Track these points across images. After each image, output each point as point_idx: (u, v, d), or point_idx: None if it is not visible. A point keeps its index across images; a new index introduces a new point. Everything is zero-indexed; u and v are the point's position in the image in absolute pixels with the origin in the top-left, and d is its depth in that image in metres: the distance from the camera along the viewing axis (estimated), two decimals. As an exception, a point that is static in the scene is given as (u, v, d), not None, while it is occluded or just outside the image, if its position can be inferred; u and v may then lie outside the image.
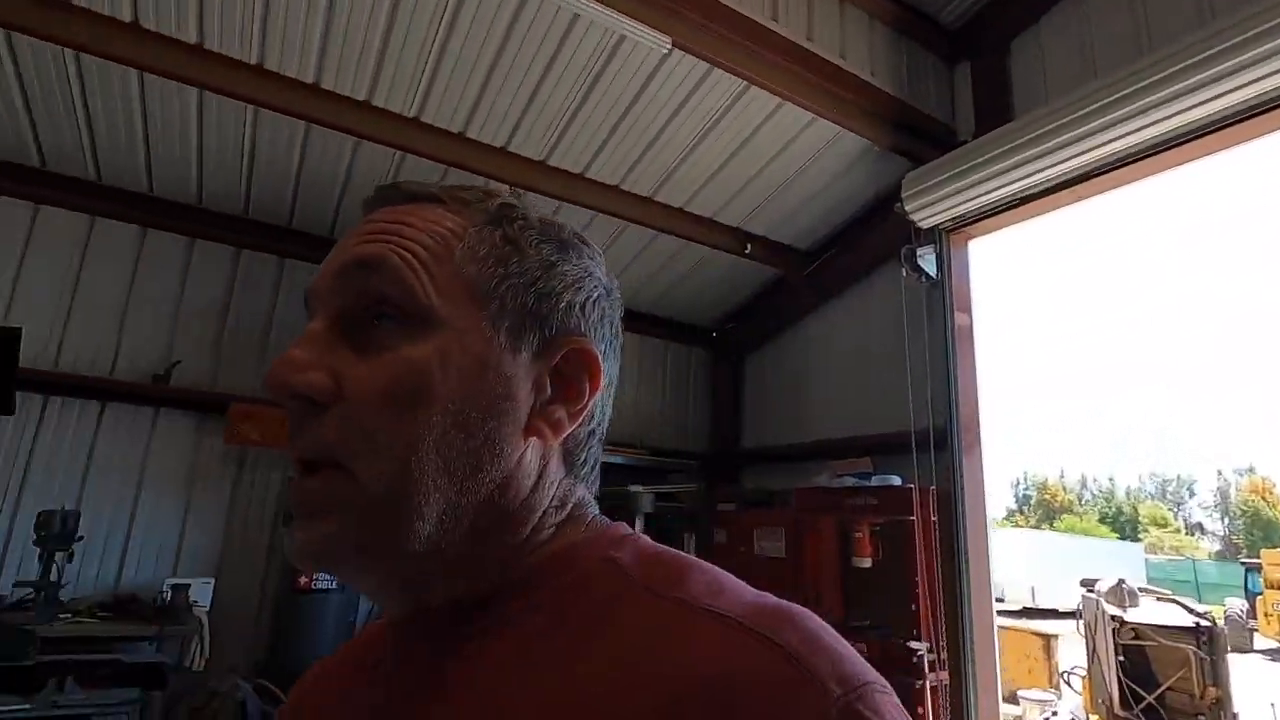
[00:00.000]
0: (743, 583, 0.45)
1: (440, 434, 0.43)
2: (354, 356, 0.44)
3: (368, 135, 3.84)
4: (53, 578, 3.38)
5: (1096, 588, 6.12)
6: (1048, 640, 7.85)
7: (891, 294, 4.63)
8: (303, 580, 3.94)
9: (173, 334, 4.34)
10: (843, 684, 0.37)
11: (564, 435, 0.48)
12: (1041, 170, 3.64)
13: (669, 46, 3.42)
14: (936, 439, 3.99)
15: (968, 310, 4.20)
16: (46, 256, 4.07)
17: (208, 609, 3.82)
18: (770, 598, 0.43)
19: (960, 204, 4.01)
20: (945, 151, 4.09)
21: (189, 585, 3.67)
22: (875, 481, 3.97)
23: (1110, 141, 3.37)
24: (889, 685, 0.41)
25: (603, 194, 4.51)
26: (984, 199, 3.93)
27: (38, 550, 3.36)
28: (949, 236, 4.26)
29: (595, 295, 0.51)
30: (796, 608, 0.42)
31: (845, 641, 0.41)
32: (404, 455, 0.42)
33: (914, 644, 3.50)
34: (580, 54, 3.60)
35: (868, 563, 3.97)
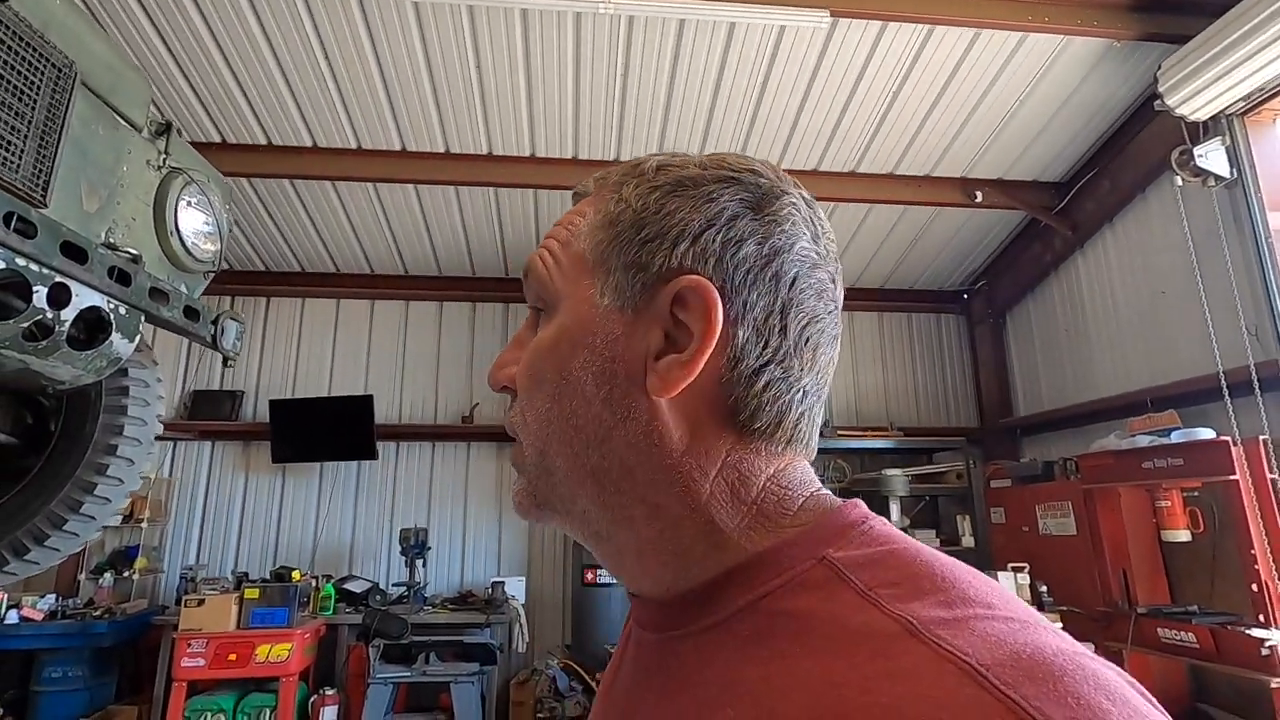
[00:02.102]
0: (1003, 595, 0.36)
1: (564, 404, 0.44)
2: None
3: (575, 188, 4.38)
4: (417, 579, 4.45)
5: None
6: None
7: (1173, 213, 3.80)
8: (589, 576, 4.57)
9: (471, 382, 5.40)
10: None
11: (679, 387, 0.42)
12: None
13: (828, 19, 3.33)
14: (1266, 377, 3.17)
15: (1289, 207, 3.27)
16: (383, 337, 5.40)
17: (523, 602, 4.64)
18: (1042, 636, 0.32)
19: (1254, 73, 3.15)
20: (1216, 18, 3.27)
21: (504, 582, 4.53)
22: (1178, 437, 3.28)
23: None
24: None
25: (800, 179, 4.46)
26: (1287, 61, 3.04)
27: (404, 559, 4.46)
28: (1243, 121, 3.37)
29: (721, 220, 0.43)
30: (1083, 659, 0.31)
31: (1152, 711, 0.30)
32: (540, 429, 0.45)
33: (1259, 632, 2.81)
34: (744, 61, 3.69)
35: (1184, 535, 3.29)
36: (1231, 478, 3.00)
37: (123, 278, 1.16)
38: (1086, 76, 3.85)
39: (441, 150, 4.22)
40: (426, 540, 4.60)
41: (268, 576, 4.37)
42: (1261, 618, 2.91)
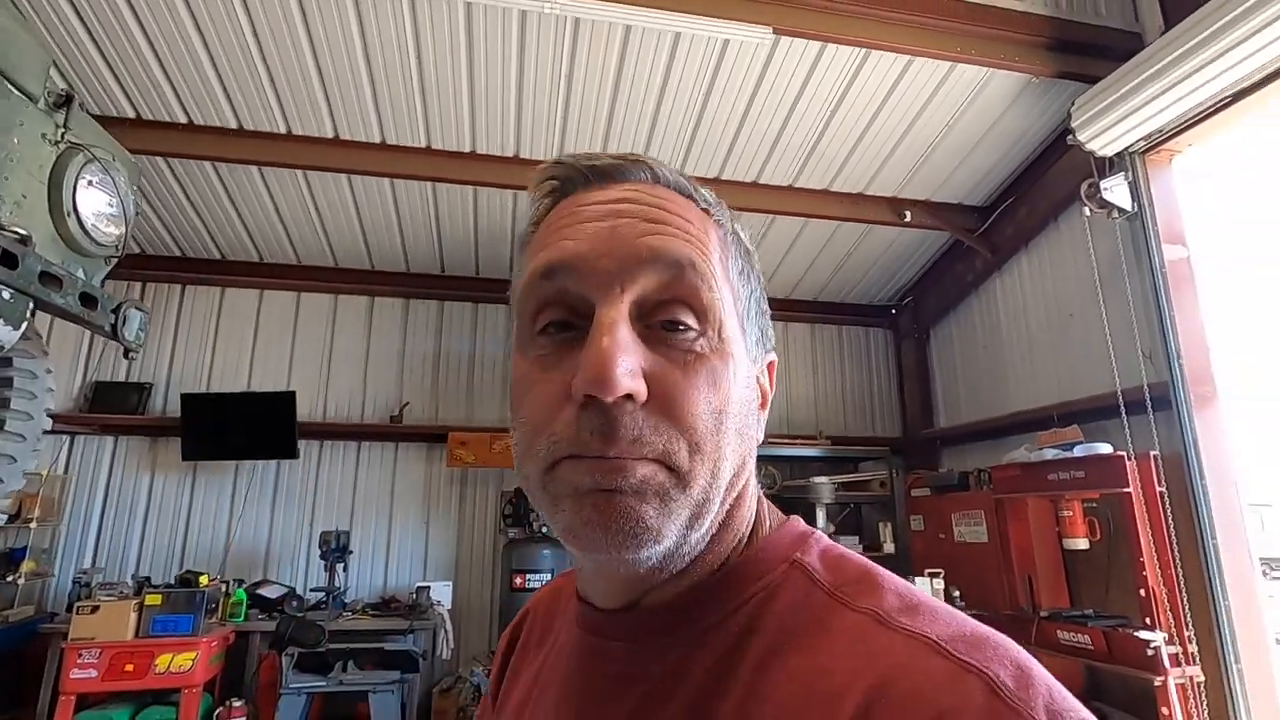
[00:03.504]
0: (932, 598, 0.43)
1: (737, 439, 0.45)
2: (656, 356, 0.43)
3: (521, 186, 4.32)
4: (336, 584, 4.28)
5: None
6: None
7: (1081, 240, 4.06)
8: (518, 581, 4.50)
9: (401, 380, 5.24)
10: None
11: (761, 436, 0.50)
12: (1263, 48, 2.93)
13: (770, 35, 3.41)
14: (1157, 397, 3.42)
15: (1181, 241, 3.54)
16: (308, 331, 5.18)
17: (449, 608, 4.53)
18: (969, 620, 0.40)
19: (1153, 116, 3.40)
20: (1123, 62, 3.51)
21: (429, 587, 4.41)
22: (1080, 451, 3.50)
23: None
24: None
25: (738, 192, 4.56)
26: (1187, 102, 3.27)
27: (323, 563, 4.28)
28: (1143, 159, 3.63)
29: (764, 302, 0.53)
30: (999, 635, 0.39)
31: (1054, 678, 0.38)
32: (719, 460, 0.43)
33: (1145, 634, 3.03)
34: (689, 69, 3.73)
35: (1083, 544, 3.51)
36: (1125, 490, 3.22)
37: (7, 259, 1.06)
38: (1007, 109, 4.07)
39: (378, 141, 4.09)
40: (348, 544, 4.43)
41: (173, 581, 4.12)
42: (1148, 620, 3.14)
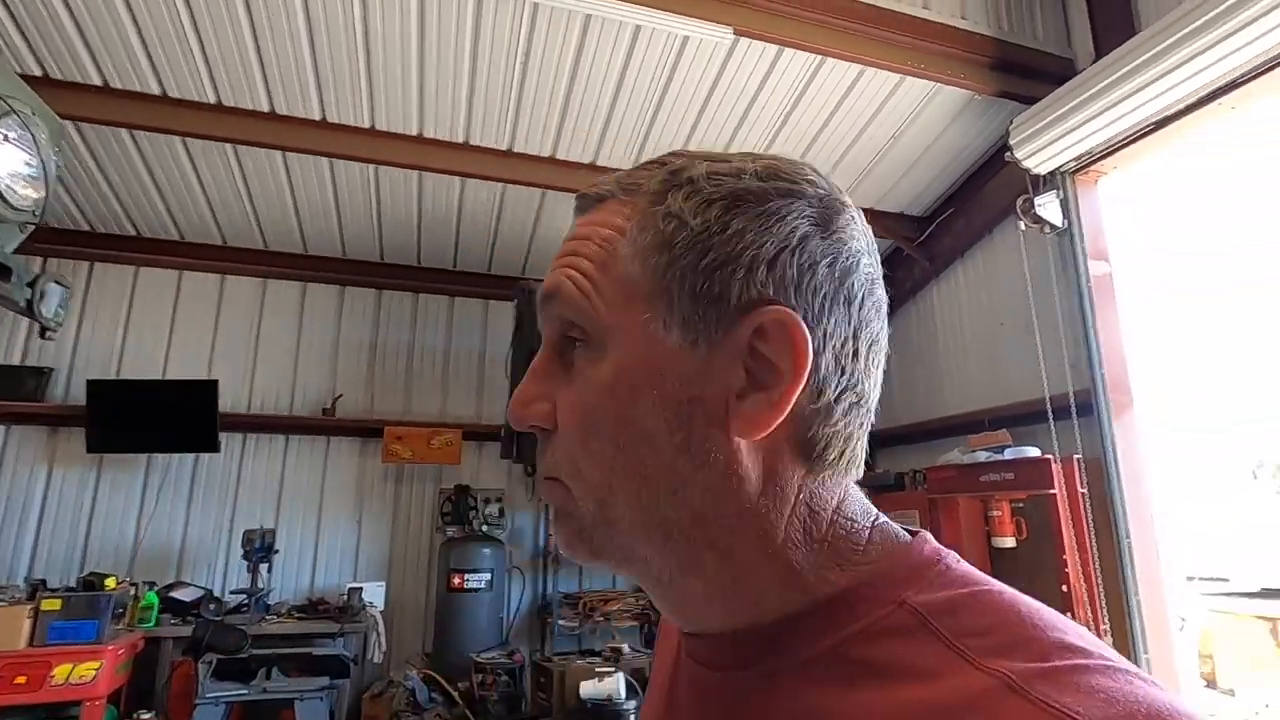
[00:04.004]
0: (1091, 638, 0.35)
1: (631, 453, 0.40)
2: (566, 382, 0.43)
3: (470, 173, 4.19)
4: (260, 585, 4.03)
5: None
6: (1274, 624, 6.68)
7: (1013, 253, 4.26)
8: (456, 581, 4.37)
9: (334, 371, 4.99)
10: None
11: (769, 428, 0.39)
12: (1184, 81, 3.14)
13: (730, 35, 3.42)
14: (1081, 404, 3.62)
15: (1105, 257, 3.76)
16: (233, 317, 4.86)
17: (381, 609, 4.35)
18: (1150, 688, 0.31)
19: (1084, 139, 3.60)
20: (1059, 85, 3.70)
21: (362, 588, 4.21)
22: (1010, 454, 3.67)
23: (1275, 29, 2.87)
24: None
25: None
26: (1114, 128, 3.49)
27: (246, 564, 4.03)
28: (1073, 179, 3.84)
29: (793, 241, 0.41)
30: (1191, 712, 0.30)
31: None
32: (602, 478, 0.41)
33: (1067, 629, 3.19)
34: (647, 64, 3.70)
35: (1010, 542, 3.68)
36: (1051, 492, 3.39)
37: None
38: (950, 124, 4.23)
39: (317, 118, 3.87)
40: (273, 543, 4.18)
41: (73, 585, 3.78)
42: (1069, 612, 3.31)
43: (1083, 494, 3.45)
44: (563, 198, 4.57)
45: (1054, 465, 3.42)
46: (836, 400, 0.41)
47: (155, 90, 3.63)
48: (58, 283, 1.23)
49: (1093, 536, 3.41)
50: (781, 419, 0.39)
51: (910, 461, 5.09)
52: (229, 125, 3.77)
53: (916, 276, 5.22)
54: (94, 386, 4.29)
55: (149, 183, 4.27)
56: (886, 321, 0.46)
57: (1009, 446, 3.76)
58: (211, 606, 3.91)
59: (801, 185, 0.43)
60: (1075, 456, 3.51)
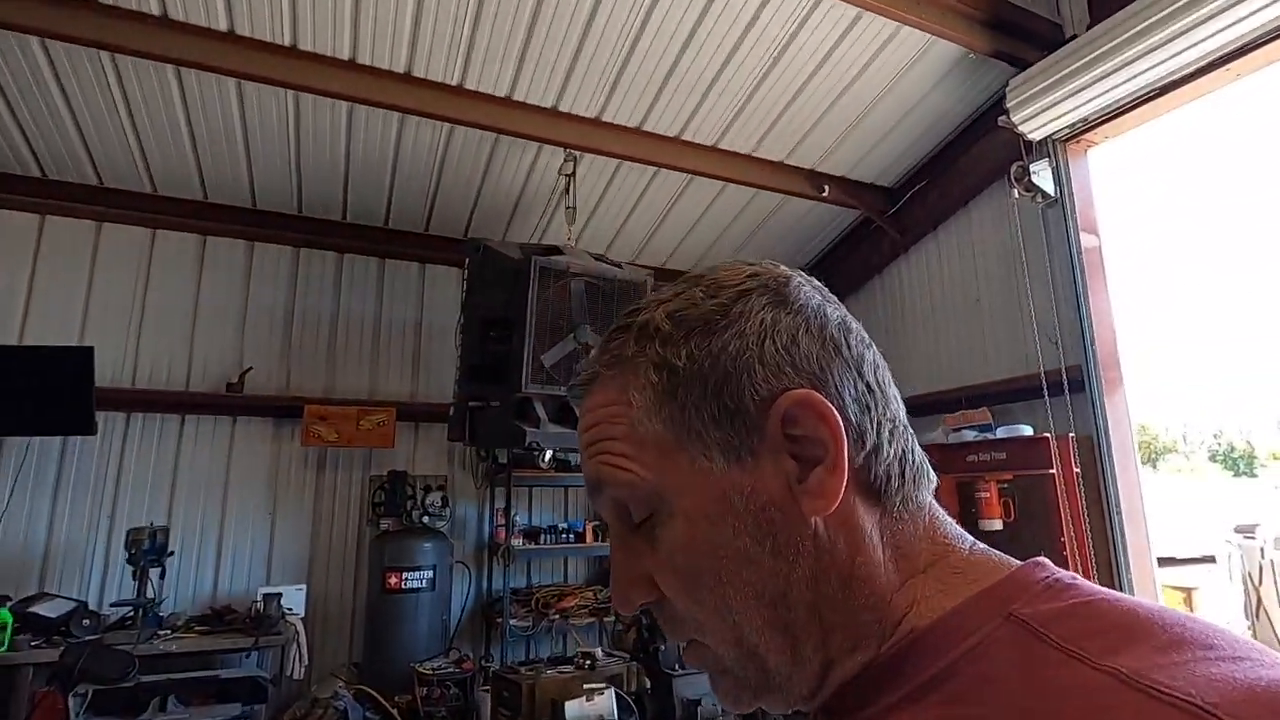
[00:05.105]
0: (1228, 637, 0.33)
1: (736, 580, 0.42)
2: (651, 550, 0.45)
3: (412, 109, 3.60)
4: (149, 594, 3.34)
5: (1258, 533, 5.41)
6: (1189, 594, 7.11)
7: (997, 224, 4.12)
8: (392, 580, 3.82)
9: (241, 340, 4.27)
10: None
11: (840, 493, 0.41)
12: (1181, 51, 3.06)
13: (727, -40, 3.01)
14: (1071, 381, 3.49)
15: (1094, 230, 3.65)
16: (112, 274, 4.04)
17: (302, 616, 3.74)
18: (1268, 669, 0.30)
19: (1078, 106, 3.45)
20: (1050, 53, 3.54)
21: (280, 594, 3.58)
22: (1002, 433, 3.51)
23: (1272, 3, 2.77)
24: None
25: (662, 147, 4.15)
26: (1109, 96, 3.37)
27: (131, 569, 3.32)
28: (1064, 147, 3.70)
29: (767, 329, 0.44)
30: None
31: None
32: (725, 619, 0.42)
33: (1069, 614, 3.06)
34: (620, 7, 3.25)
35: (998, 524, 3.53)
36: (1049, 471, 3.24)
37: None
38: (938, 84, 4.00)
39: (223, 29, 3.18)
40: (166, 543, 3.48)
41: (-107, 603, 2.97)
42: (1065, 599, 3.18)
43: (1077, 473, 3.32)
44: (517, 145, 4.05)
45: (1051, 444, 3.27)
46: (878, 435, 0.44)
47: (2, -26, 2.84)
48: None
49: (1086, 517, 3.29)
50: (845, 480, 0.41)
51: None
52: (107, 28, 3.02)
53: (884, 250, 5.04)
54: (-77, 354, 3.41)
55: (-2, 99, 3.42)
56: (869, 340, 0.47)
57: (1000, 425, 3.60)
58: (85, 623, 3.19)
59: (745, 281, 0.46)
60: (1070, 435, 3.37)
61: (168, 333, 4.10)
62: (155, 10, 3.07)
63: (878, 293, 5.20)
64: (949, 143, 4.48)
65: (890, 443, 0.44)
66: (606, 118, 3.96)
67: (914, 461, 0.45)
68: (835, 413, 0.41)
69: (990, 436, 3.56)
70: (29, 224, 3.94)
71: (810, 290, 0.48)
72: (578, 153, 4.03)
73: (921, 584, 0.42)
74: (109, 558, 3.73)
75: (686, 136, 4.18)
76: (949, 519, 0.45)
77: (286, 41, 3.28)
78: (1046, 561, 0.42)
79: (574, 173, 4.03)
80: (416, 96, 3.58)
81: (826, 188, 4.62)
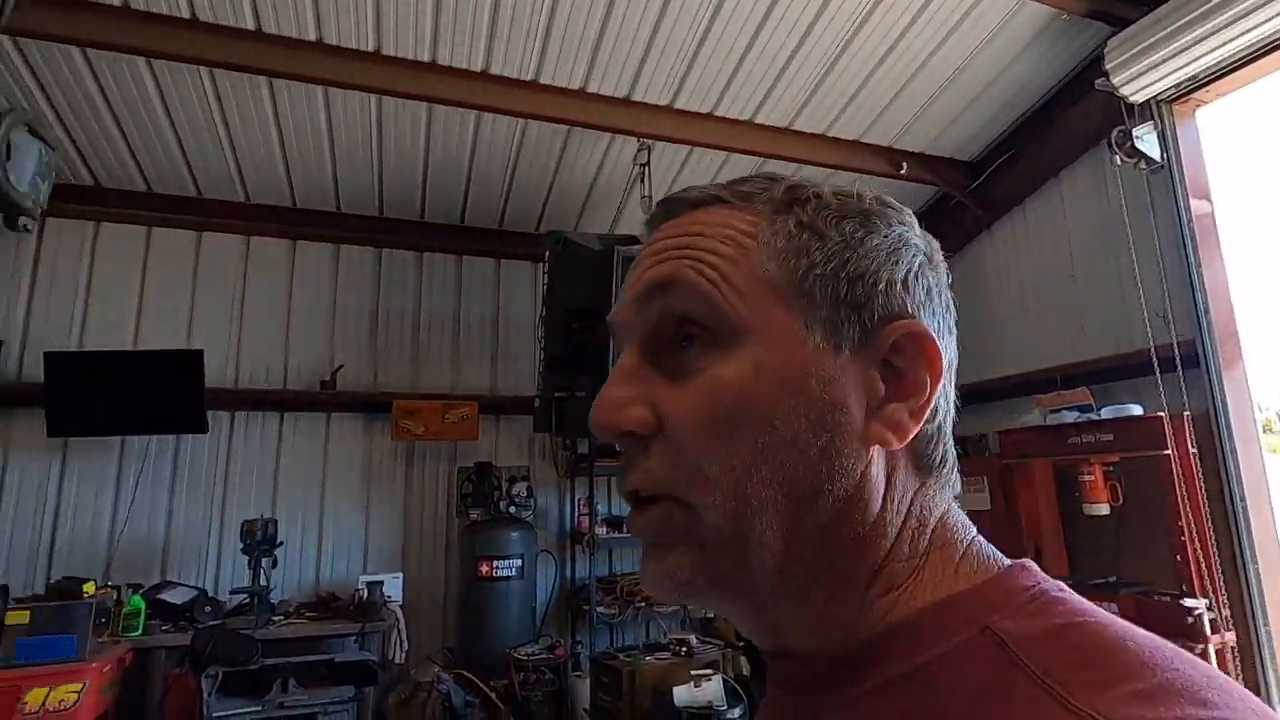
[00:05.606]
0: (1221, 685, 0.30)
1: (771, 455, 0.38)
2: (669, 384, 0.41)
3: (489, 106, 3.66)
4: (262, 582, 3.53)
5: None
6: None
7: (1093, 194, 3.91)
8: (484, 569, 3.92)
9: (331, 340, 4.44)
10: None
11: (910, 437, 0.40)
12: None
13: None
14: (1183, 357, 3.29)
15: (1206, 195, 3.42)
16: (211, 279, 4.27)
17: (400, 603, 3.88)
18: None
19: (1186, 64, 3.23)
20: (1153, 9, 3.32)
21: (382, 581, 3.73)
22: (1107, 413, 3.34)
23: None
24: None
25: (734, 131, 4.10)
26: (1221, 51, 3.14)
27: (246, 559, 3.51)
28: (1170, 108, 3.48)
29: (915, 265, 0.43)
30: None
31: None
32: (738, 484, 0.38)
33: (1189, 601, 2.90)
34: (696, -15, 3.21)
35: (1104, 509, 3.37)
36: (1164, 453, 3.07)
37: None
38: (1023, 51, 3.81)
39: (312, 38, 3.30)
40: (276, 534, 3.67)
41: (42, 591, 3.23)
42: (1184, 587, 3.02)
43: (1193, 454, 3.14)
44: (590, 137, 4.07)
45: (1165, 423, 3.10)
46: (943, 420, 0.43)
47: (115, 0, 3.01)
48: (33, 132, 0.74)
49: (1205, 502, 3.10)
50: (919, 429, 0.40)
51: (962, 425, 4.75)
52: (206, 44, 3.16)
53: (967, 227, 4.85)
54: (53, 360, 3.68)
55: (108, 118, 3.62)
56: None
57: (1105, 405, 3.43)
58: (208, 609, 3.40)
59: (905, 217, 0.46)
60: (1185, 413, 3.19)
61: (264, 334, 4.30)
62: (250, 25, 3.20)
63: (959, 271, 5.01)
64: (1035, 112, 4.27)
65: (941, 432, 0.43)
66: (679, 105, 3.94)
67: (952, 462, 0.44)
68: (943, 367, 0.40)
69: (1094, 417, 3.39)
70: (138, 235, 4.19)
71: (944, 267, 0.47)
72: (651, 142, 4.02)
73: (917, 570, 0.40)
74: (221, 547, 3.96)
75: (760, 120, 4.12)
76: (963, 514, 0.43)
77: (370, 47, 3.38)
78: (1033, 566, 0.40)
79: (649, 161, 4.02)
80: (493, 94, 3.63)
81: (904, 165, 4.48)
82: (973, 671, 0.34)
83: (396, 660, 3.72)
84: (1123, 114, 3.48)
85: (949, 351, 0.43)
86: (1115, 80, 3.39)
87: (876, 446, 0.40)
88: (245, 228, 4.37)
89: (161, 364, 3.76)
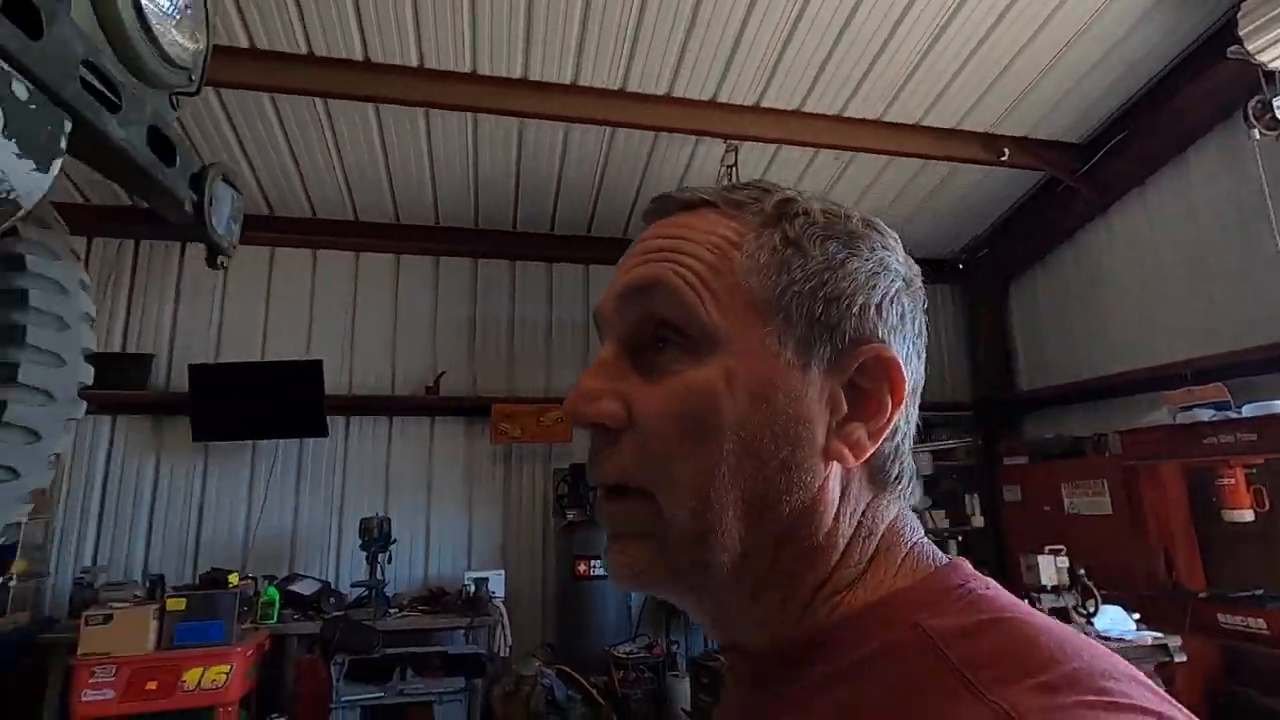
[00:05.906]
0: (1123, 673, 0.32)
1: (735, 463, 0.40)
2: (643, 381, 0.42)
3: (578, 118, 3.76)
4: (378, 576, 3.76)
5: None
6: None
7: (1227, 171, 3.59)
8: (581, 568, 4.02)
9: (434, 347, 4.68)
10: None
11: (866, 456, 0.41)
12: None
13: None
14: (1337, 346, 2.98)
15: (1364, 167, 3.08)
16: (326, 293, 4.59)
17: (502, 599, 4.04)
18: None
19: (1336, 23, 2.92)
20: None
21: (488, 578, 3.90)
22: (1249, 411, 3.06)
23: None
24: None
25: (822, 127, 4.03)
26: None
27: (364, 554, 3.76)
28: (1317, 74, 3.15)
29: (892, 291, 0.44)
30: None
31: None
32: (702, 485, 0.40)
33: (1355, 619, 2.62)
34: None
35: (1248, 515, 3.09)
36: (1319, 453, 2.79)
37: (28, 15, 0.52)
38: (1138, 24, 3.56)
39: (414, 64, 3.49)
40: (391, 531, 3.91)
41: (194, 580, 3.57)
42: (1348, 602, 2.73)
43: (1355, 456, 2.83)
44: (676, 140, 4.10)
45: (1320, 421, 2.81)
46: (902, 440, 0.44)
47: (243, 42, 3.30)
48: (227, 180, 0.84)
49: (1370, 506, 2.79)
50: (875, 448, 0.41)
51: (1069, 425, 4.49)
52: (318, 75, 3.42)
53: (1076, 212, 4.56)
54: (196, 372, 4.07)
55: (236, 148, 3.98)
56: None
57: (1245, 403, 3.14)
58: (332, 600, 3.66)
59: (890, 241, 0.46)
60: (1344, 410, 2.88)
61: (373, 344, 4.59)
62: (359, 56, 3.43)
63: (1067, 261, 4.73)
64: (1153, 87, 3.96)
65: (899, 451, 0.44)
66: (766, 103, 3.91)
67: (910, 476, 0.45)
68: (905, 392, 0.41)
69: (1233, 415, 3.12)
70: (262, 256, 4.56)
71: (920, 293, 0.48)
72: (738, 142, 4.01)
73: (861, 573, 0.41)
74: (340, 543, 4.25)
75: (849, 113, 4.03)
76: (914, 518, 0.44)
77: (467, 68, 3.54)
78: (965, 564, 0.41)
79: (735, 162, 4.01)
80: (581, 105, 3.73)
81: (1006, 150, 4.26)
82: (902, 665, 0.36)
83: (501, 654, 3.88)
84: (1260, 82, 3.18)
85: (915, 376, 0.44)
86: (1250, 47, 3.10)
87: (834, 462, 0.41)
88: (354, 244, 4.67)
89: (287, 373, 4.09)
